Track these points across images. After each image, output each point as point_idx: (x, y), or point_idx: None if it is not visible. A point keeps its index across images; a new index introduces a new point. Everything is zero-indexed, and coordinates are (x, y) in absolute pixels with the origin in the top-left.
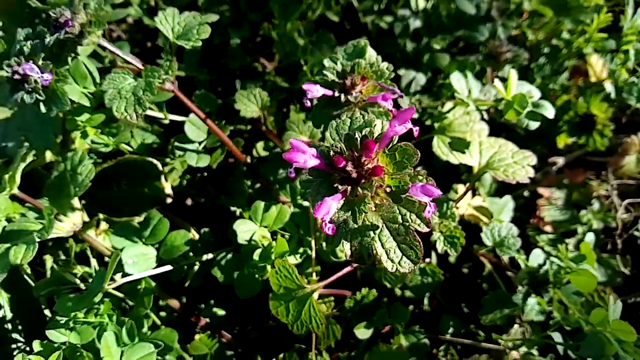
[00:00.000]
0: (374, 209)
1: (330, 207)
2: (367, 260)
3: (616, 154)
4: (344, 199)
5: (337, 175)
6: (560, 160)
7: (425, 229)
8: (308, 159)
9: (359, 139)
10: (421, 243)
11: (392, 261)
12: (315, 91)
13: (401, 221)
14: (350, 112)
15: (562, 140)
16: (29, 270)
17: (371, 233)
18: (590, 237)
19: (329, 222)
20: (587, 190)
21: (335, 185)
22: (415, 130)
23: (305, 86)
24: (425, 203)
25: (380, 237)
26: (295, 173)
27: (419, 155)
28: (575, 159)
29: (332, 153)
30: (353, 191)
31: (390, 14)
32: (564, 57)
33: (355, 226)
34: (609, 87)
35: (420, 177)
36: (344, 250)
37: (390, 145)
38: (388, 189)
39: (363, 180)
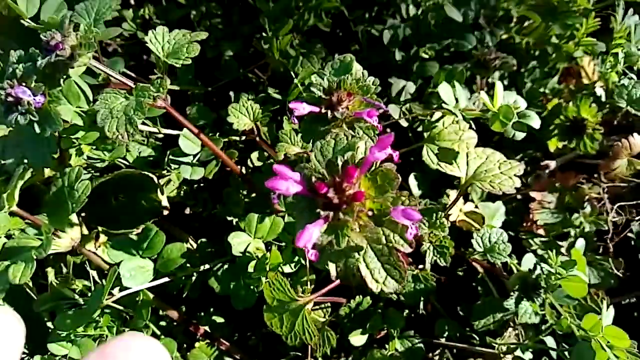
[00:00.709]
0: (358, 230)
1: (312, 234)
2: (352, 280)
3: (607, 157)
4: (327, 223)
5: (319, 200)
6: (552, 164)
7: (409, 250)
8: (290, 186)
9: (340, 165)
10: (405, 263)
11: (377, 281)
12: (302, 109)
13: (385, 242)
14: (336, 130)
15: (554, 144)
16: (30, 284)
17: (356, 254)
18: (580, 243)
19: (312, 248)
20: (579, 193)
21: (317, 210)
22: (396, 155)
23: (291, 105)
24: (407, 225)
25: (365, 257)
26: (278, 199)
27: (399, 180)
28: (567, 162)
29: (314, 179)
30: (335, 216)
31: (381, 23)
32: (554, 61)
33: (339, 249)
34: (599, 90)
35: (403, 199)
36: (330, 270)
37: (372, 168)
38: (370, 212)
39: (345, 206)
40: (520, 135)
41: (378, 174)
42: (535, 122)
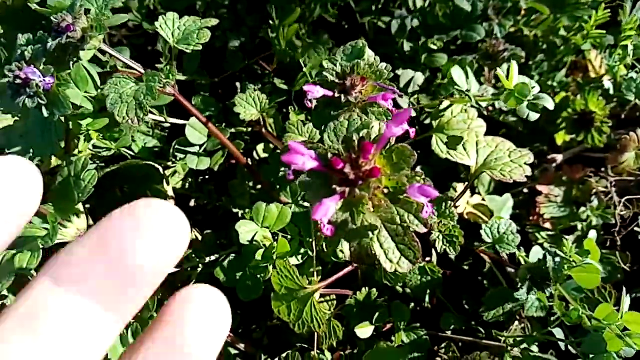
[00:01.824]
0: (372, 209)
1: (329, 209)
2: (365, 260)
3: (615, 150)
4: (342, 200)
5: (335, 176)
6: (559, 157)
7: (423, 229)
8: (306, 160)
9: (356, 141)
10: (419, 243)
11: (391, 261)
12: (316, 92)
13: (399, 222)
14: (349, 113)
15: (561, 138)
16: (35, 274)
17: (370, 233)
18: (592, 233)
19: (328, 223)
20: (586, 187)
21: (333, 186)
22: (412, 131)
23: (306, 87)
24: (423, 204)
25: (379, 237)
26: (293, 175)
27: (415, 157)
28: (574, 155)
29: (329, 155)
30: (351, 192)
31: (387, 14)
32: (561, 54)
33: (354, 227)
34: (607, 83)
35: (418, 178)
36: (344, 250)
37: (388, 146)
38: (385, 190)
39: (360, 182)
40: (533, 116)
41: (394, 152)
42: (549, 103)
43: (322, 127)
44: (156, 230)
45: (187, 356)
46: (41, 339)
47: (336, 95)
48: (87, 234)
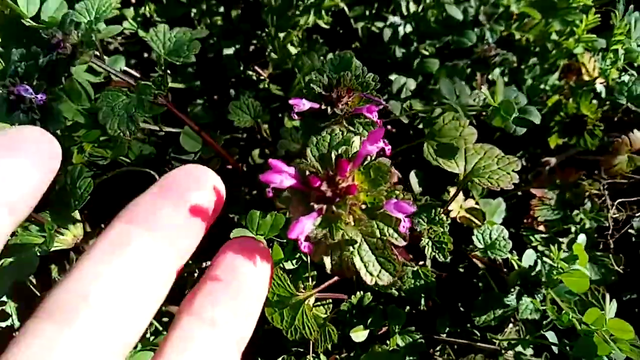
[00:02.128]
0: (352, 224)
1: (305, 226)
2: (346, 273)
3: (608, 153)
4: (320, 216)
5: (313, 194)
6: (552, 161)
7: (402, 243)
8: (284, 179)
9: (333, 159)
10: (398, 256)
11: (371, 274)
12: (302, 105)
13: (379, 235)
14: (333, 126)
15: (554, 141)
16: (34, 281)
17: (350, 247)
18: (581, 238)
19: (305, 240)
20: (580, 190)
21: (311, 204)
22: (388, 149)
23: (291, 101)
24: (400, 219)
25: (360, 251)
26: (273, 192)
27: (392, 173)
28: (567, 158)
29: (307, 173)
30: (328, 209)
31: (381, 20)
32: (554, 58)
33: (334, 241)
34: (599, 86)
35: (397, 193)
36: (325, 264)
37: (366, 162)
38: (364, 206)
39: (338, 199)
40: (521, 131)
41: (371, 168)
42: (536, 117)
43: (306, 141)
44: (204, 183)
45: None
46: (117, 270)
47: (323, 107)
48: (149, 189)
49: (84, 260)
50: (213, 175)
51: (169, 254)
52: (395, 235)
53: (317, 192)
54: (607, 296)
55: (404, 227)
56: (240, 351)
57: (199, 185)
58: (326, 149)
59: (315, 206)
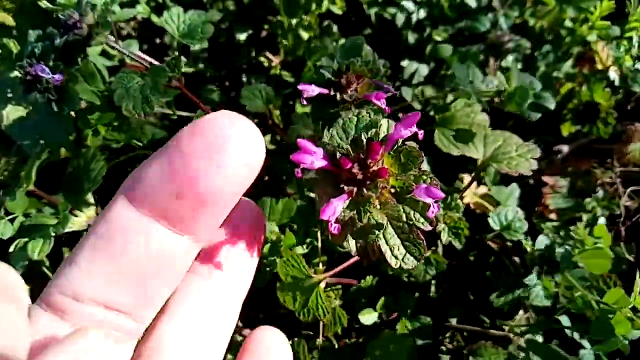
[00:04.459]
0: (379, 207)
1: (336, 208)
2: (371, 256)
3: (620, 141)
4: (349, 199)
5: (343, 176)
6: (565, 149)
7: (429, 227)
8: (315, 160)
9: (364, 141)
10: (424, 241)
11: (396, 258)
12: (311, 91)
13: (405, 219)
14: (346, 110)
15: (567, 129)
16: (47, 263)
17: (376, 231)
18: (602, 220)
19: (335, 222)
20: (592, 178)
21: (342, 186)
22: (420, 133)
23: (300, 87)
24: (429, 204)
25: (385, 234)
26: (302, 172)
27: (423, 158)
28: (580, 146)
29: (338, 155)
30: (359, 192)
31: (394, 5)
32: (567, 45)
33: (361, 224)
34: (612, 74)
35: (425, 178)
36: (350, 246)
37: (395, 147)
38: (393, 190)
39: (368, 182)
40: (535, 116)
41: (402, 152)
42: (550, 103)
43: (321, 123)
44: (227, 152)
45: None
46: (119, 260)
47: (332, 93)
48: (156, 155)
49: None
50: (245, 129)
51: (181, 243)
52: (422, 219)
53: (348, 174)
54: (638, 274)
55: (432, 212)
56: (241, 300)
57: (220, 157)
58: (354, 130)
59: (346, 188)
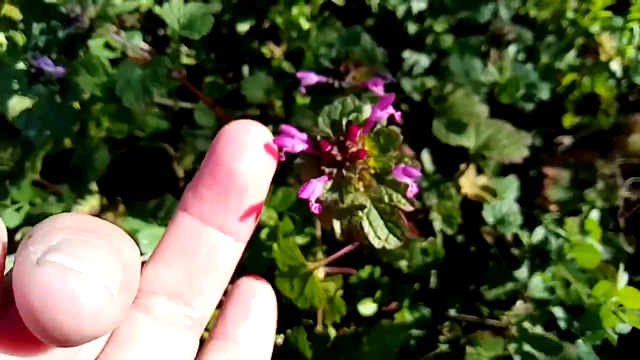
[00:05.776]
0: (362, 190)
1: (316, 188)
2: (355, 237)
3: (621, 133)
4: (331, 180)
5: (324, 158)
6: (566, 140)
7: (410, 208)
8: (296, 143)
9: (344, 125)
10: (406, 222)
11: (379, 238)
12: (309, 79)
13: (387, 201)
14: (343, 98)
15: (568, 120)
16: None
17: (359, 212)
18: (594, 214)
19: (316, 202)
20: (593, 169)
21: (322, 167)
22: (397, 115)
23: (299, 74)
24: (408, 184)
25: (368, 215)
26: (285, 157)
27: (401, 139)
28: (581, 138)
29: (318, 138)
30: (339, 173)
31: None
32: (570, 36)
33: (343, 206)
34: (614, 66)
35: (406, 159)
36: (335, 227)
37: (375, 129)
38: (373, 171)
39: (347, 163)
40: (529, 107)
41: (381, 134)
42: (544, 93)
43: (318, 112)
44: (256, 153)
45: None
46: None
47: (330, 81)
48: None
49: None
50: (264, 135)
51: (229, 244)
52: (403, 200)
53: (328, 156)
54: (621, 266)
55: (411, 192)
56: None
57: (251, 158)
58: (337, 116)
59: (326, 170)
